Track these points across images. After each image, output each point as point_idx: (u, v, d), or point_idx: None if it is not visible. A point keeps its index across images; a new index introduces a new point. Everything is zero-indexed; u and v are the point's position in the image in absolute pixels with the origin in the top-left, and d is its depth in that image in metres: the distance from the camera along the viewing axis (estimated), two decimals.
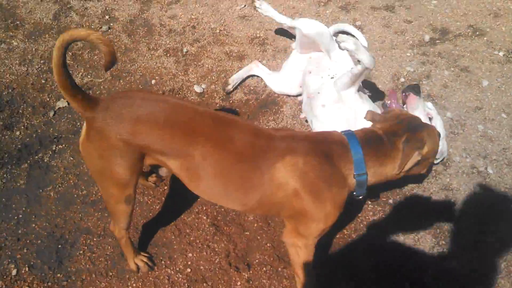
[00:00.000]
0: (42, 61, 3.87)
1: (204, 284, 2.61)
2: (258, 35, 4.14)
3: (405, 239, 2.80)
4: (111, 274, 2.67)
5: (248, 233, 2.82)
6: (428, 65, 3.80)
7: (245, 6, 4.42)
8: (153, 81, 3.77)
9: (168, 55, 3.98)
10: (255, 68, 3.69)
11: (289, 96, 3.60)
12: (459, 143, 3.25)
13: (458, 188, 3.01)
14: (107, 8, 4.35)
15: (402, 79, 3.69)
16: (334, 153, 2.05)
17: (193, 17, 4.32)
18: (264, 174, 2.00)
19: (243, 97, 3.64)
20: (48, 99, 3.63)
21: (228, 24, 4.26)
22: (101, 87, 3.74)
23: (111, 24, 4.21)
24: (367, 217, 2.90)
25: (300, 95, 3.48)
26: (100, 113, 2.00)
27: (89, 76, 3.83)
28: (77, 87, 1.99)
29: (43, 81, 3.75)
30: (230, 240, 2.78)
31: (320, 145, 2.06)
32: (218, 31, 4.20)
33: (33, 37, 4.06)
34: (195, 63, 3.91)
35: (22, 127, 3.42)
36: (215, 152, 1.98)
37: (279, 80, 3.56)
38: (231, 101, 3.61)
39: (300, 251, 2.24)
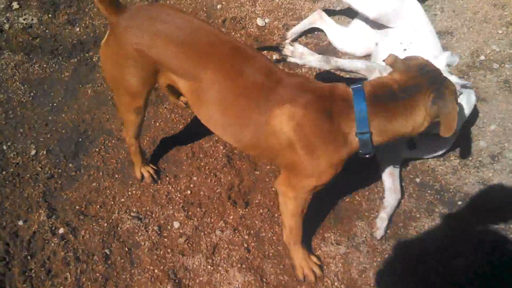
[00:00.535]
0: None
1: (198, 209, 2.58)
2: None
3: (417, 222, 2.56)
4: (116, 176, 2.72)
5: (258, 172, 2.73)
6: None
7: None
8: (219, 6, 3.67)
9: None
10: (319, 20, 3.34)
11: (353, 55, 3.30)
12: None
13: (498, 186, 2.67)
14: None
15: (483, 57, 3.29)
16: (336, 109, 1.86)
17: None
18: (262, 116, 1.89)
19: (303, 39, 3.45)
20: None
21: None
22: (167, 2, 3.70)
23: None
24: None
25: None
26: (123, 20, 1.97)
27: None
28: None
29: None
30: (238, 175, 2.71)
31: (323, 99, 1.88)
32: None
33: None
34: None
35: (83, 25, 3.50)
36: (223, 81, 1.90)
37: (345, 36, 3.22)
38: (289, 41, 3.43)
39: (289, 201, 2.12)
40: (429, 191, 2.67)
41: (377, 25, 2.94)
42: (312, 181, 1.98)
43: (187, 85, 1.99)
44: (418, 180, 2.71)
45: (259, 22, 3.54)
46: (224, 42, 1.95)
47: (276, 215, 2.56)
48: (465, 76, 3.17)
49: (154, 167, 2.70)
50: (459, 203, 2.63)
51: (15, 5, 3.53)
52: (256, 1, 3.69)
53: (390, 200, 2.53)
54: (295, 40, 3.39)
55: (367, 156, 1.95)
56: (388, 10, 2.80)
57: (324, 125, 1.85)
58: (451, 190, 2.69)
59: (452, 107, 1.80)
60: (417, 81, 1.84)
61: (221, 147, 2.83)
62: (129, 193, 2.65)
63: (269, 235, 2.49)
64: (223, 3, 3.68)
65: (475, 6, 3.61)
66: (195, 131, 2.89)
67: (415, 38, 2.73)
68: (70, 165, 2.76)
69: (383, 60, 2.02)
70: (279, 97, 1.88)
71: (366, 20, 3.01)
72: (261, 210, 2.58)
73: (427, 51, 2.60)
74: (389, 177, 2.59)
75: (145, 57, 1.98)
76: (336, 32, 3.28)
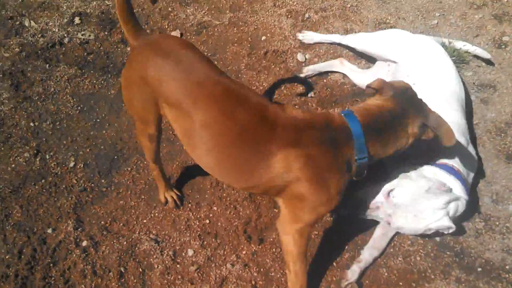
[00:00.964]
0: None
1: (214, 239, 2.67)
2: (387, 20, 3.87)
3: (431, 283, 2.53)
4: (143, 197, 2.86)
5: (277, 210, 2.78)
6: None
7: None
8: (263, 37, 3.78)
9: (289, 16, 3.93)
10: (339, 65, 3.42)
11: None
12: None
13: None
14: None
15: None
16: (337, 139, 1.96)
17: None
18: (262, 161, 1.92)
19: (340, 79, 3.49)
20: (166, 27, 3.87)
21: (363, 1, 4.03)
22: (215, 29, 3.86)
23: None
24: (402, 244, 2.66)
25: None
26: (139, 46, 2.09)
27: (209, 16, 3.97)
28: (132, 15, 2.10)
29: (169, 9, 3.98)
30: (257, 210, 2.78)
31: (324, 133, 1.95)
32: (349, 5, 4.02)
33: None
34: (311, 31, 3.81)
35: None
36: (214, 126, 1.93)
37: (366, 78, 3.25)
38: (325, 80, 3.49)
39: (294, 239, 2.12)
40: (448, 252, 2.62)
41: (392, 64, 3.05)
42: (322, 210, 2.06)
43: (178, 124, 2.04)
44: (438, 238, 2.67)
45: (300, 57, 3.61)
46: (217, 83, 1.96)
47: None
48: (502, 134, 3.08)
49: (178, 193, 2.81)
50: (479, 269, 2.56)
51: (76, 20, 3.80)
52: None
53: (366, 254, 2.53)
54: (309, 77, 3.48)
55: (359, 178, 2.09)
56: (378, 50, 3.12)
57: (329, 156, 1.94)
58: (471, 254, 2.62)
59: (440, 120, 2.07)
60: (402, 107, 2.03)
61: None
62: (152, 215, 2.78)
63: (278, 275, 2.54)
64: (268, 35, 3.78)
65: None
66: None
67: (420, 76, 2.77)
68: (103, 180, 2.93)
69: (368, 85, 2.12)
70: (278, 140, 1.91)
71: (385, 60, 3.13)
72: (274, 249, 2.63)
73: (433, 89, 2.66)
74: (380, 234, 2.58)
75: (146, 86, 2.04)
76: (357, 75, 3.35)
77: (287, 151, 1.90)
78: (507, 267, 2.55)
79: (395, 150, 2.08)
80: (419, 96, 2.14)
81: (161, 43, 2.09)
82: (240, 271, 2.55)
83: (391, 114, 2.02)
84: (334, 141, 1.95)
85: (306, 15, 3.93)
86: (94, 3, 3.96)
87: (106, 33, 3.74)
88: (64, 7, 3.89)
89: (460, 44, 3.33)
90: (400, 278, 2.56)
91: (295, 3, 4.05)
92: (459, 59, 3.44)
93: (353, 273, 2.47)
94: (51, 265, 2.57)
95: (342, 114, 2.02)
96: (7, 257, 2.59)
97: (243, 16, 3.95)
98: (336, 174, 1.97)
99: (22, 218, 2.75)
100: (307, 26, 3.84)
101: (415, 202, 2.29)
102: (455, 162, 2.40)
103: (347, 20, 3.89)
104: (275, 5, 4.03)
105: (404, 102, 2.05)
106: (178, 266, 2.58)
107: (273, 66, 3.57)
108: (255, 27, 3.86)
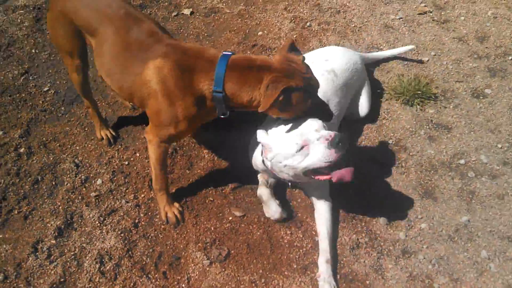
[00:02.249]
0: None
1: (123, 178, 2.97)
2: (380, 46, 3.97)
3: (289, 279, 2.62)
4: (86, 129, 3.24)
5: (188, 171, 3.03)
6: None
7: (401, 19, 4.22)
8: (260, 32, 4.05)
9: (293, 21, 4.17)
10: None
11: None
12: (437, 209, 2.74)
13: (389, 279, 2.61)
14: None
15: (462, 161, 3.09)
16: (200, 67, 2.22)
17: (347, 4, 4.35)
18: (139, 67, 2.28)
19: None
20: (183, 3, 4.28)
21: (368, 25, 4.17)
22: (223, 16, 4.20)
23: None
24: (278, 231, 2.78)
25: None
26: None
27: (223, 4, 4.32)
28: None
29: None
30: (171, 166, 3.03)
31: (191, 58, 2.24)
32: (353, 25, 4.17)
33: None
34: (303, 37, 4.02)
35: (149, 13, 4.13)
36: (112, 37, 2.34)
37: None
38: None
39: (153, 148, 2.50)
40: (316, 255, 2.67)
41: None
42: (170, 130, 2.34)
43: (94, 41, 2.45)
44: (316, 239, 2.73)
45: None
46: (121, 7, 2.39)
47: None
48: (432, 172, 3.06)
49: (113, 133, 3.15)
50: (338, 276, 2.61)
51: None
52: (292, 38, 3.96)
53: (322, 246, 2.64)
54: None
55: (223, 117, 2.33)
56: None
57: (186, 79, 2.21)
58: (341, 262, 2.63)
59: (271, 93, 2.13)
60: (284, 66, 2.19)
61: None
62: (85, 144, 3.14)
63: (160, 223, 2.78)
64: (265, 31, 4.05)
65: (492, 115, 3.40)
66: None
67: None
68: (63, 108, 3.35)
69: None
70: (154, 52, 2.26)
71: None
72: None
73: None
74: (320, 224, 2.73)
75: (67, 18, 2.48)
76: None
77: (155, 61, 2.23)
78: (367, 282, 2.57)
79: (248, 99, 2.23)
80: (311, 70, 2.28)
81: None
82: (130, 209, 2.82)
83: (259, 66, 2.19)
84: (196, 68, 2.21)
85: (308, 24, 4.14)
86: None
87: None
88: None
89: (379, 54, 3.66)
90: (263, 258, 2.67)
91: (304, 11, 4.27)
92: (425, 95, 3.46)
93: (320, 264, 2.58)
94: None
95: (223, 52, 2.28)
96: None
97: (252, 11, 4.25)
98: (186, 99, 2.23)
99: None
100: (304, 33, 4.04)
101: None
102: None
103: (344, 37, 4.05)
104: (286, 9, 4.29)
105: (284, 64, 2.19)
106: (84, 189, 2.90)
107: None
108: (258, 22, 4.14)
